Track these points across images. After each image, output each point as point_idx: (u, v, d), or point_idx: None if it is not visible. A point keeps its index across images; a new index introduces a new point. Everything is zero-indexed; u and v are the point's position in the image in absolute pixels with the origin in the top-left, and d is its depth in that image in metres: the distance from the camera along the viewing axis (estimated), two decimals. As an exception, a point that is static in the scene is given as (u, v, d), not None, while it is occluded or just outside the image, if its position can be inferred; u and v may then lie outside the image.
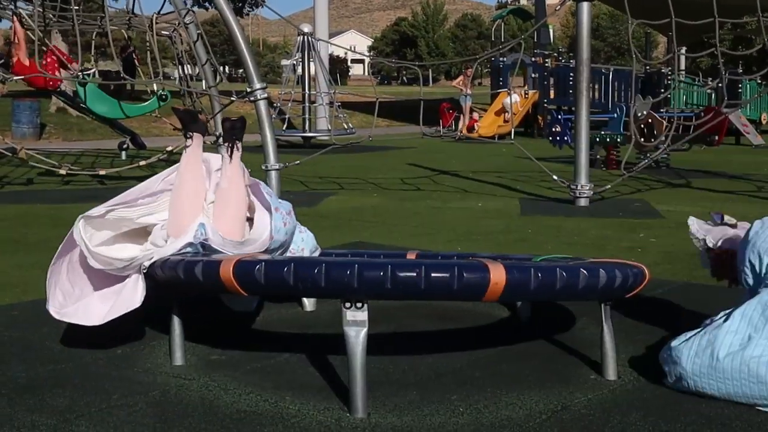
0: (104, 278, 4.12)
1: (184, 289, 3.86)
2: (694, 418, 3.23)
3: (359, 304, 3.25)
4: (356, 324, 3.25)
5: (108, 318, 4.00)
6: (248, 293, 3.50)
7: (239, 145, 4.23)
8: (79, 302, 4.13)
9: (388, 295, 3.32)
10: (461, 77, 24.61)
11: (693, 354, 3.38)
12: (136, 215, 4.25)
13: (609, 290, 3.52)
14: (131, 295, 3.97)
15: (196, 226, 3.96)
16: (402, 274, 3.20)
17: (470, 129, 22.01)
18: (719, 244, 4.00)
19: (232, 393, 3.52)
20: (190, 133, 4.34)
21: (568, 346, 4.17)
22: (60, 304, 4.18)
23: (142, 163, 11.71)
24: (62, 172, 11.13)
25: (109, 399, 3.44)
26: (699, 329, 3.51)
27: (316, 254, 4.68)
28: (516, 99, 22.81)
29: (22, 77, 11.71)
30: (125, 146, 14.65)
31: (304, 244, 4.59)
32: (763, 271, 3.54)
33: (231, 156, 4.19)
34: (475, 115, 23.37)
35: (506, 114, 22.78)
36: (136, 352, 4.11)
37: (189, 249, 3.92)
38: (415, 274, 3.20)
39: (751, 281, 3.61)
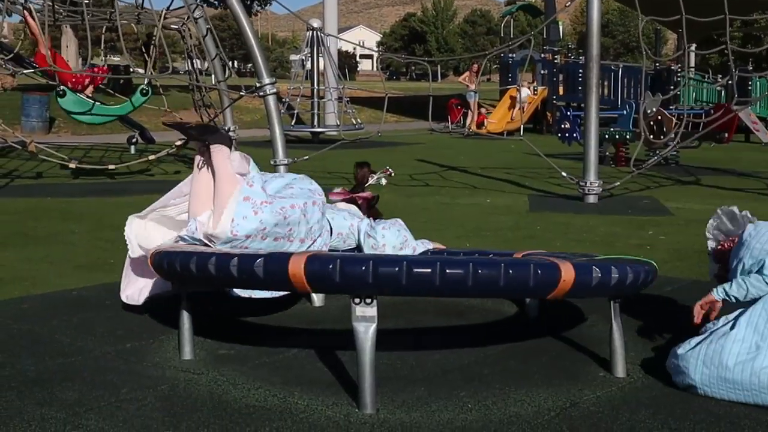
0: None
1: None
2: (703, 416, 3.23)
3: (368, 300, 3.26)
4: (365, 320, 3.26)
5: (149, 294, 4.52)
6: (168, 279, 3.84)
7: (216, 147, 4.34)
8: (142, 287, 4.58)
9: (229, 283, 3.70)
10: (467, 73, 24.55)
11: (701, 364, 3.38)
12: (175, 213, 4.59)
13: (462, 286, 3.31)
14: (163, 281, 4.36)
15: (191, 221, 4.28)
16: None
17: (480, 125, 21.95)
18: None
19: (241, 388, 3.52)
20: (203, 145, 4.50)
21: (576, 343, 4.16)
22: (139, 291, 4.58)
23: (152, 157, 11.68)
24: (72, 166, 11.15)
25: (119, 393, 3.45)
26: (703, 335, 3.51)
27: (405, 252, 4.77)
28: (527, 92, 22.77)
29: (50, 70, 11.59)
30: (134, 140, 14.65)
31: (384, 240, 4.78)
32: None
33: (208, 157, 4.38)
34: (483, 110, 23.30)
35: (518, 107, 22.76)
36: (145, 346, 4.12)
37: (181, 241, 4.19)
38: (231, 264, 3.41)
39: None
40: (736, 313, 3.51)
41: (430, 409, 3.31)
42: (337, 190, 5.48)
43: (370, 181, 5.34)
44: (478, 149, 17.16)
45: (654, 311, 4.78)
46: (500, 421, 3.20)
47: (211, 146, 4.36)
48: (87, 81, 12.00)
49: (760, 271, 3.48)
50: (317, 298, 4.94)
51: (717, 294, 3.58)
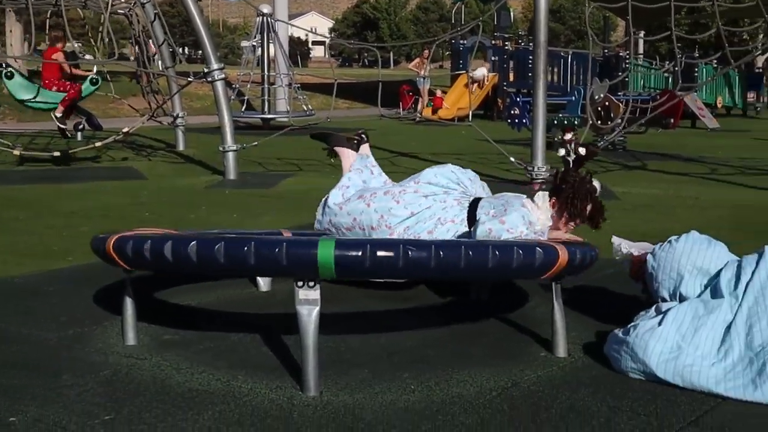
0: None
1: None
2: (641, 394, 3.29)
3: (311, 283, 3.26)
4: (309, 303, 3.27)
5: None
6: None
7: (338, 149, 5.03)
8: None
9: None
10: (418, 60, 24.62)
11: (629, 358, 3.47)
12: None
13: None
14: None
15: None
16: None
17: (436, 110, 22.00)
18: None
19: (185, 372, 3.51)
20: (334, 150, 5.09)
21: (519, 324, 4.21)
22: None
23: (98, 144, 11.58)
24: (16, 152, 11.00)
25: (60, 379, 3.42)
26: (634, 323, 3.58)
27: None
28: (484, 72, 22.96)
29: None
30: (81, 127, 14.45)
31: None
32: (683, 288, 3.69)
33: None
34: (439, 93, 23.33)
35: (477, 85, 22.95)
36: (88, 332, 4.08)
37: None
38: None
39: (668, 297, 3.79)
40: (665, 307, 3.60)
41: (373, 390, 3.33)
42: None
43: (563, 153, 4.54)
44: (428, 135, 17.21)
45: (596, 293, 4.85)
46: (442, 401, 3.23)
47: (335, 149, 5.02)
48: (59, 87, 12.08)
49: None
50: (263, 283, 4.93)
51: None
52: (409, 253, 3.26)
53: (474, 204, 4.42)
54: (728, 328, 3.45)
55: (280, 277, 4.38)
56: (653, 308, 3.68)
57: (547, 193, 4.44)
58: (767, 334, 3.36)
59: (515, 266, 3.44)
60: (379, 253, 3.25)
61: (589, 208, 4.35)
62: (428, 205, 4.42)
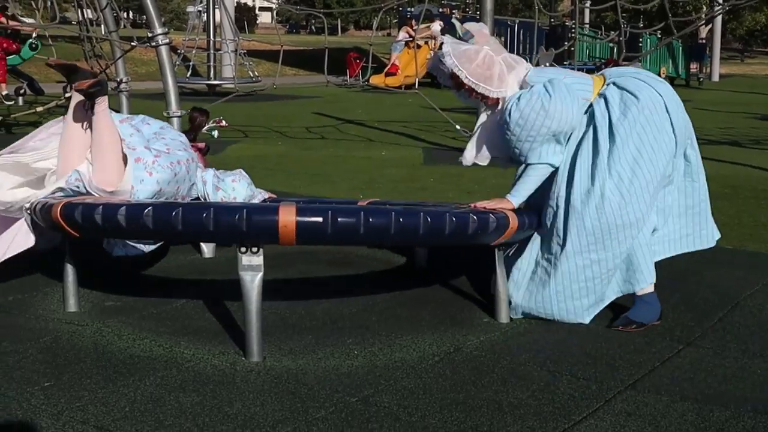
0: (5, 221, 4.08)
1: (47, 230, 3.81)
2: (581, 358, 3.34)
3: (255, 249, 3.25)
4: (252, 269, 3.26)
5: (5, 257, 4.01)
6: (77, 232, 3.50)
7: (98, 100, 4.10)
8: None
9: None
10: (408, 28, 24.55)
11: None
12: (31, 160, 4.17)
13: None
14: (25, 236, 3.98)
15: (71, 172, 3.97)
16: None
17: (390, 74, 21.99)
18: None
19: (126, 338, 3.49)
20: (71, 86, 4.28)
21: (462, 290, 4.25)
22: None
23: (40, 109, 11.34)
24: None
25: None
26: None
27: (255, 200, 4.65)
28: (439, 26, 23.08)
29: None
30: (22, 92, 14.18)
31: (235, 193, 4.60)
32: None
33: (93, 111, 4.09)
34: (396, 61, 23.29)
35: (434, 42, 22.96)
36: (28, 299, 4.03)
37: (60, 193, 3.91)
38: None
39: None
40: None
41: (316, 356, 3.34)
42: None
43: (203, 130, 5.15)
44: (375, 103, 17.18)
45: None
46: (385, 366, 3.25)
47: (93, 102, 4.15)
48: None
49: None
50: (207, 249, 4.91)
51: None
52: (370, 219, 3.30)
53: None
54: None
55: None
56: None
57: None
58: None
59: (471, 232, 3.50)
60: (341, 220, 3.27)
61: None
62: None
